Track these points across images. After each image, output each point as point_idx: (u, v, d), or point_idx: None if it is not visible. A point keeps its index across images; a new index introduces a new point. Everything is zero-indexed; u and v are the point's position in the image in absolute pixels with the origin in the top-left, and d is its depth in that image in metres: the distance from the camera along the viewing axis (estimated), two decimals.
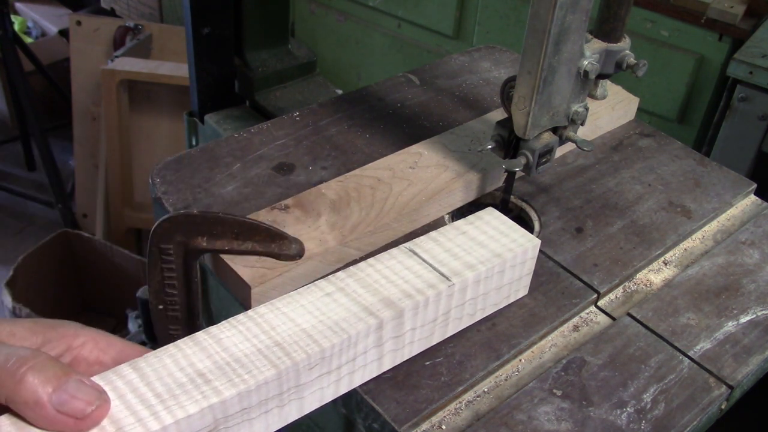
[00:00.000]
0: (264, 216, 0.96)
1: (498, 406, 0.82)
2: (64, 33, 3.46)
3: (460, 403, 0.83)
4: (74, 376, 0.55)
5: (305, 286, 0.76)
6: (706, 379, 0.87)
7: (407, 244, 0.84)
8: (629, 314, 0.94)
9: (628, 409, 0.83)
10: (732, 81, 1.85)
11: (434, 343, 0.85)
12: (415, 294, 0.77)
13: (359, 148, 1.14)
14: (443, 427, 0.81)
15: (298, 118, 1.20)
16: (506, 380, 0.87)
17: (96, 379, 0.61)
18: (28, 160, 3.42)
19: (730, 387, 0.86)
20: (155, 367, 0.63)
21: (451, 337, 0.87)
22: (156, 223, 0.82)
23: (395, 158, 1.09)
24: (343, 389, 0.76)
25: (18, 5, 3.97)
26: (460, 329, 0.87)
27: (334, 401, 0.79)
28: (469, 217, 0.90)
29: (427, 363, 0.84)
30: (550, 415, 0.81)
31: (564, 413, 0.82)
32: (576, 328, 0.94)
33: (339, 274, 0.79)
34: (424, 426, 0.80)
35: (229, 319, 0.70)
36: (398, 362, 0.81)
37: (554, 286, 0.96)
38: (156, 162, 1.08)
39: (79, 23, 2.92)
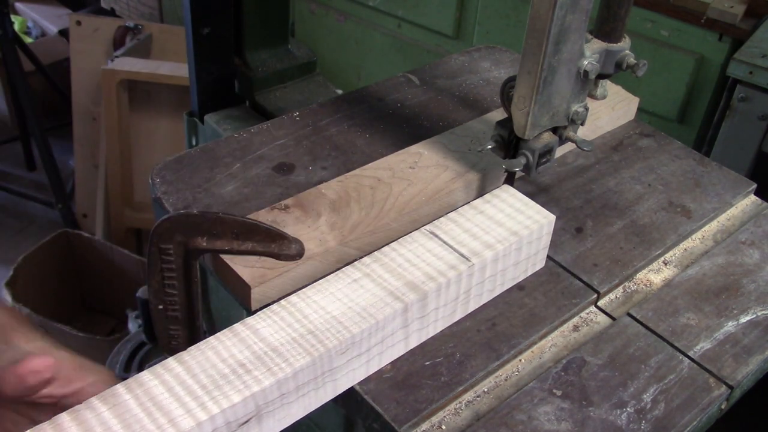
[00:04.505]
0: (264, 216, 0.96)
1: (498, 406, 0.83)
2: (64, 33, 3.46)
3: (460, 403, 0.83)
4: None
5: (333, 273, 0.79)
6: (706, 379, 0.87)
7: (428, 227, 0.87)
8: (629, 314, 0.94)
9: (628, 409, 0.83)
10: (732, 81, 1.85)
11: (457, 319, 0.88)
12: (438, 276, 0.80)
13: (359, 148, 1.14)
14: (443, 427, 0.81)
15: (298, 118, 1.20)
16: (506, 380, 0.87)
17: (145, 372, 0.66)
18: (28, 160, 3.42)
19: (730, 387, 0.86)
20: (199, 359, 0.67)
21: (451, 337, 0.88)
22: (156, 223, 0.82)
23: (395, 158, 1.09)
24: (374, 368, 0.81)
25: (18, 5, 3.97)
26: (481, 304, 0.89)
27: (335, 401, 0.79)
28: (486, 195, 0.92)
29: (427, 363, 0.84)
30: (550, 415, 0.81)
31: (564, 413, 0.82)
32: (576, 328, 0.94)
33: (365, 259, 0.82)
34: (424, 426, 0.80)
35: (264, 309, 0.73)
36: (423, 339, 0.85)
37: (554, 286, 0.96)
38: (156, 162, 1.08)
39: (79, 23, 2.92)
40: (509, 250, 0.87)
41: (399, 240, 0.86)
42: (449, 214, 0.89)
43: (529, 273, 0.94)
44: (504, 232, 0.87)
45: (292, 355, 0.69)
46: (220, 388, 0.65)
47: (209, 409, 0.63)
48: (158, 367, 0.67)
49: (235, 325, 0.72)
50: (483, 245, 0.85)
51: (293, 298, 0.76)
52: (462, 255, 0.84)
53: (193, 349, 0.69)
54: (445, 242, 0.85)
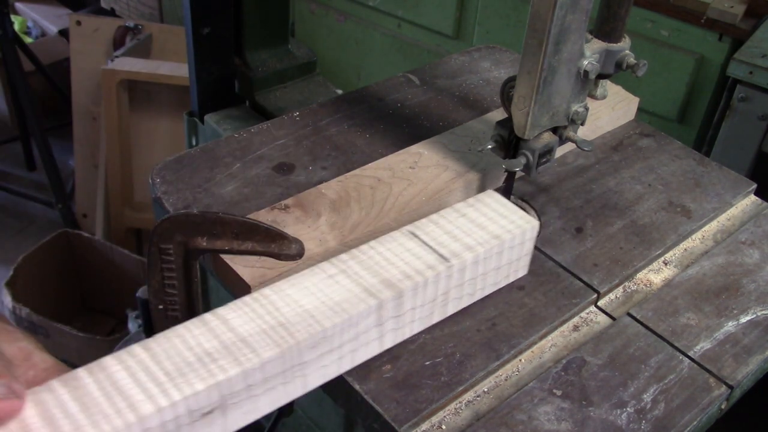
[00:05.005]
0: (264, 216, 0.96)
1: (498, 406, 0.83)
2: (64, 33, 3.46)
3: (460, 403, 0.83)
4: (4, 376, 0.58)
5: (309, 269, 0.78)
6: (706, 379, 0.87)
7: (409, 227, 0.86)
8: (629, 314, 0.94)
9: (628, 409, 0.83)
10: (732, 81, 1.85)
11: (434, 322, 0.86)
12: (415, 275, 0.79)
13: (359, 148, 1.14)
14: (443, 427, 0.81)
15: (298, 118, 1.20)
16: (506, 380, 0.87)
17: (109, 357, 0.64)
18: (28, 160, 3.42)
19: (730, 387, 0.86)
20: (165, 346, 0.66)
21: (451, 337, 0.87)
22: (156, 223, 0.82)
23: (395, 158, 1.09)
24: (346, 367, 0.79)
25: (18, 5, 3.97)
26: (460, 308, 0.88)
27: (335, 401, 0.79)
28: (469, 199, 0.91)
29: (427, 363, 0.84)
30: (550, 415, 0.81)
31: (564, 413, 0.82)
32: (576, 328, 0.94)
33: (342, 256, 0.81)
34: (424, 426, 0.80)
35: (236, 300, 0.72)
36: (399, 341, 0.83)
37: (554, 286, 0.96)
38: (156, 162, 1.08)
39: (79, 23, 2.91)
40: (490, 253, 0.86)
41: (378, 238, 0.85)
42: (431, 216, 0.88)
43: (512, 279, 0.93)
44: (485, 235, 0.86)
45: (260, 346, 0.68)
46: (183, 376, 0.64)
47: (171, 396, 0.62)
48: (123, 353, 0.66)
49: (204, 314, 0.71)
50: (463, 247, 0.84)
51: (266, 290, 0.75)
52: (441, 256, 0.83)
53: (159, 336, 0.68)
54: (424, 242, 0.84)
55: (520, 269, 0.93)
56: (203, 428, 0.65)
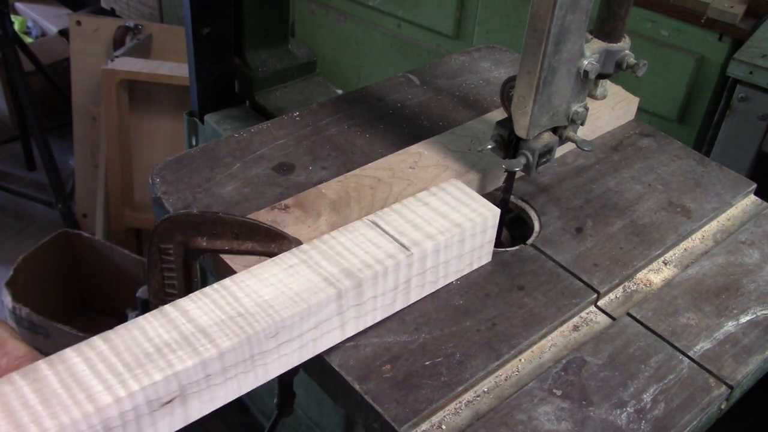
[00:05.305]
0: (264, 216, 0.96)
1: (498, 406, 0.83)
2: (64, 33, 3.46)
3: (460, 403, 0.83)
4: None
5: (271, 259, 0.79)
6: (706, 379, 0.87)
7: (370, 217, 0.87)
8: (629, 314, 0.94)
9: (628, 409, 0.83)
10: (732, 81, 1.85)
11: (397, 310, 0.86)
12: (375, 264, 0.80)
13: (359, 148, 1.14)
14: (443, 427, 0.81)
15: (298, 118, 1.20)
16: (506, 380, 0.87)
17: (69, 350, 0.66)
18: (28, 160, 3.42)
19: (730, 387, 0.86)
20: (125, 338, 0.67)
21: (451, 336, 0.87)
22: (156, 223, 0.82)
23: (395, 158, 1.09)
24: (308, 355, 0.79)
25: (18, 5, 3.97)
26: (424, 296, 0.88)
27: (335, 401, 0.80)
28: (432, 188, 0.92)
29: (427, 363, 0.84)
30: (550, 415, 0.81)
31: (564, 413, 0.82)
32: (576, 328, 0.94)
33: (303, 246, 0.81)
34: (424, 426, 0.80)
35: (196, 291, 0.73)
36: (362, 328, 0.83)
37: (554, 286, 0.96)
38: (156, 162, 1.08)
39: (79, 23, 2.91)
40: (451, 241, 0.86)
41: (339, 228, 0.85)
42: (393, 205, 0.89)
43: (475, 266, 0.93)
44: (446, 224, 0.87)
45: (219, 336, 0.69)
46: (142, 366, 0.65)
47: (129, 386, 0.63)
48: (82, 345, 0.67)
49: (165, 305, 0.72)
50: (424, 236, 0.85)
51: (227, 281, 0.76)
52: (402, 245, 0.83)
53: (119, 328, 0.69)
54: (385, 232, 0.85)
55: (484, 257, 0.94)
56: (163, 417, 0.66)
